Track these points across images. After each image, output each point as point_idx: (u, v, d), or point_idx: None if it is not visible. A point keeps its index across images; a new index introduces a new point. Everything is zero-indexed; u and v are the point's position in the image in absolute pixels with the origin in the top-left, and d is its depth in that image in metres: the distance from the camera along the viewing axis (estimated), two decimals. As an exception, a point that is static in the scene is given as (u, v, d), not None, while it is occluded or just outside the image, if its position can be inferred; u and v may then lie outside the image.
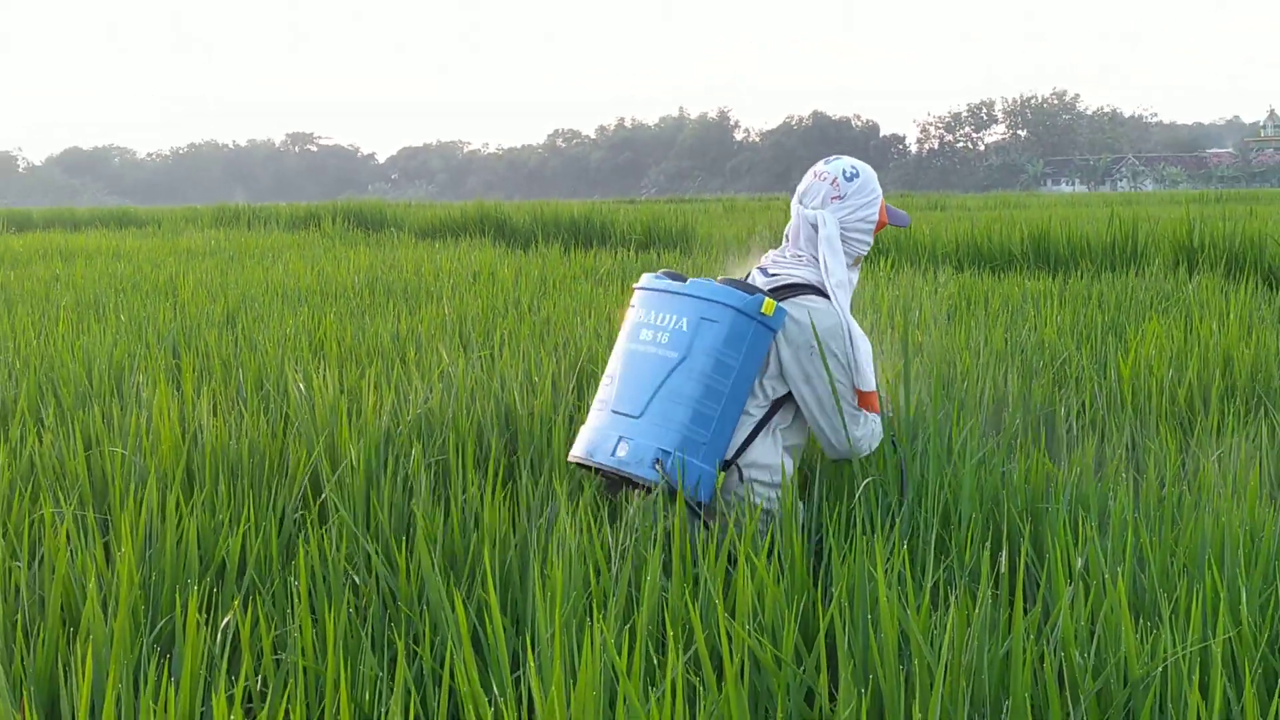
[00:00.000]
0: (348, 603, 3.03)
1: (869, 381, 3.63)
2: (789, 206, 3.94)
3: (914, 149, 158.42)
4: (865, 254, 3.80)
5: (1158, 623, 2.78)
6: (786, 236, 3.87)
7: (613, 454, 3.58)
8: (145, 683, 2.52)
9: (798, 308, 3.62)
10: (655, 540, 3.29)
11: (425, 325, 7.48)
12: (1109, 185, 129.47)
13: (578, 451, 3.74)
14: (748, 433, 3.65)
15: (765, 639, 2.71)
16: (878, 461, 3.82)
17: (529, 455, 4.37)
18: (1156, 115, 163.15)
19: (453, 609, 2.84)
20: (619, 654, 2.53)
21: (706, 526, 3.50)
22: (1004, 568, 3.09)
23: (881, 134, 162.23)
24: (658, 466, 3.47)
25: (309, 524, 3.82)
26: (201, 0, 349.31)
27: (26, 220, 31.45)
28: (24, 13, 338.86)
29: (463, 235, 19.23)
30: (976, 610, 2.61)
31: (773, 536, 3.33)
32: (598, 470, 3.72)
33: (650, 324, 3.69)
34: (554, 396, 5.05)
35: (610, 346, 6.33)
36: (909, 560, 3.12)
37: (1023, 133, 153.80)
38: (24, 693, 2.68)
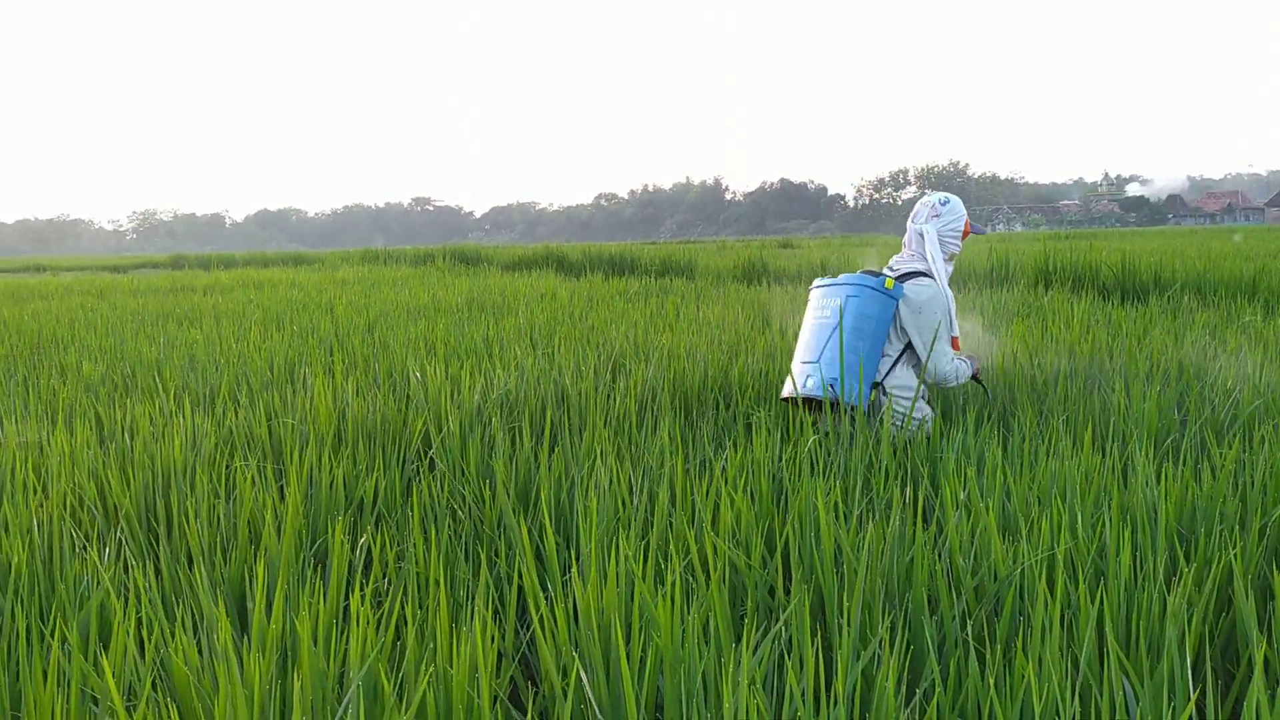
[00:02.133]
0: (448, 527, 3.03)
1: (956, 331, 4.14)
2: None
3: (851, 203, 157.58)
4: (956, 253, 4.23)
5: (1018, 537, 2.76)
6: (905, 244, 4.28)
7: (804, 386, 4.10)
8: (305, 584, 2.53)
9: (913, 286, 4.10)
10: (664, 480, 3.28)
11: (507, 331, 7.48)
12: (990, 228, 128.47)
13: (786, 391, 4.25)
14: (890, 365, 4.13)
15: (740, 551, 2.69)
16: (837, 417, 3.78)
17: (576, 422, 4.36)
18: (1024, 177, 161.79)
19: (520, 531, 2.84)
20: (637, 563, 2.52)
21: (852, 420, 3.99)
22: (909, 499, 3.07)
23: (829, 193, 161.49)
24: (830, 389, 3.99)
25: (421, 472, 3.82)
26: (358, 105, 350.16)
27: (231, 261, 31.63)
28: (234, 105, 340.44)
29: (534, 268, 19.22)
30: (889, 529, 2.59)
31: (746, 474, 3.31)
32: (798, 401, 4.22)
33: (821, 306, 4.20)
34: (595, 380, 5.03)
35: (635, 346, 6.31)
36: (842, 494, 3.10)
37: (929, 191, 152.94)
38: (220, 591, 2.69)
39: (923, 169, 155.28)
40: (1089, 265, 10.71)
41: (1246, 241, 21.63)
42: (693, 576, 2.67)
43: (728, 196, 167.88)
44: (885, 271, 4.23)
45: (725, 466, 3.52)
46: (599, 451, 3.61)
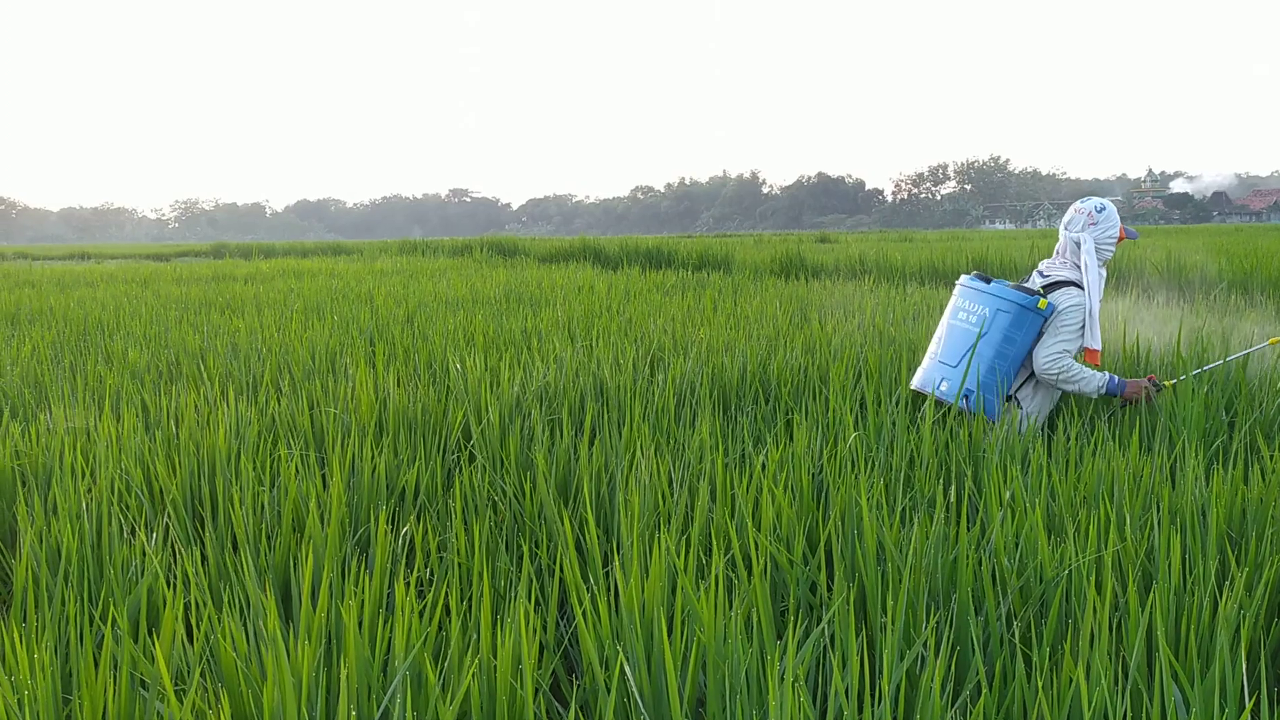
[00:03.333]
0: (488, 518, 3.04)
1: (1096, 344, 4.10)
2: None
3: (890, 198, 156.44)
4: (1109, 258, 4.26)
5: (1065, 538, 2.72)
6: (1057, 251, 4.31)
7: (937, 388, 4.16)
8: (349, 572, 2.55)
9: (1059, 295, 4.15)
10: (704, 475, 3.27)
11: (545, 323, 7.49)
12: (1030, 224, 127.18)
13: (915, 384, 4.33)
14: (1022, 379, 4.20)
15: (781, 546, 2.68)
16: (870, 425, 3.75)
17: (616, 415, 4.36)
18: (1065, 173, 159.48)
19: (562, 523, 2.84)
20: (678, 556, 2.51)
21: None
22: (953, 498, 3.04)
23: (866, 187, 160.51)
24: (963, 399, 4.07)
25: (462, 463, 3.83)
26: (396, 96, 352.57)
27: (271, 250, 31.94)
28: (275, 97, 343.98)
29: (571, 260, 19.25)
30: (932, 528, 2.57)
31: (788, 474, 3.30)
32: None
33: (965, 309, 4.23)
34: (634, 374, 5.03)
35: (673, 339, 6.31)
36: (885, 491, 3.08)
37: (968, 186, 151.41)
38: (266, 577, 2.71)
39: (963, 164, 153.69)
40: (1132, 262, 10.57)
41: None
42: (733, 572, 2.67)
43: (764, 190, 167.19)
44: (1036, 277, 4.29)
45: (765, 462, 3.50)
46: (639, 445, 3.61)
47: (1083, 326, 4.09)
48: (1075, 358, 4.16)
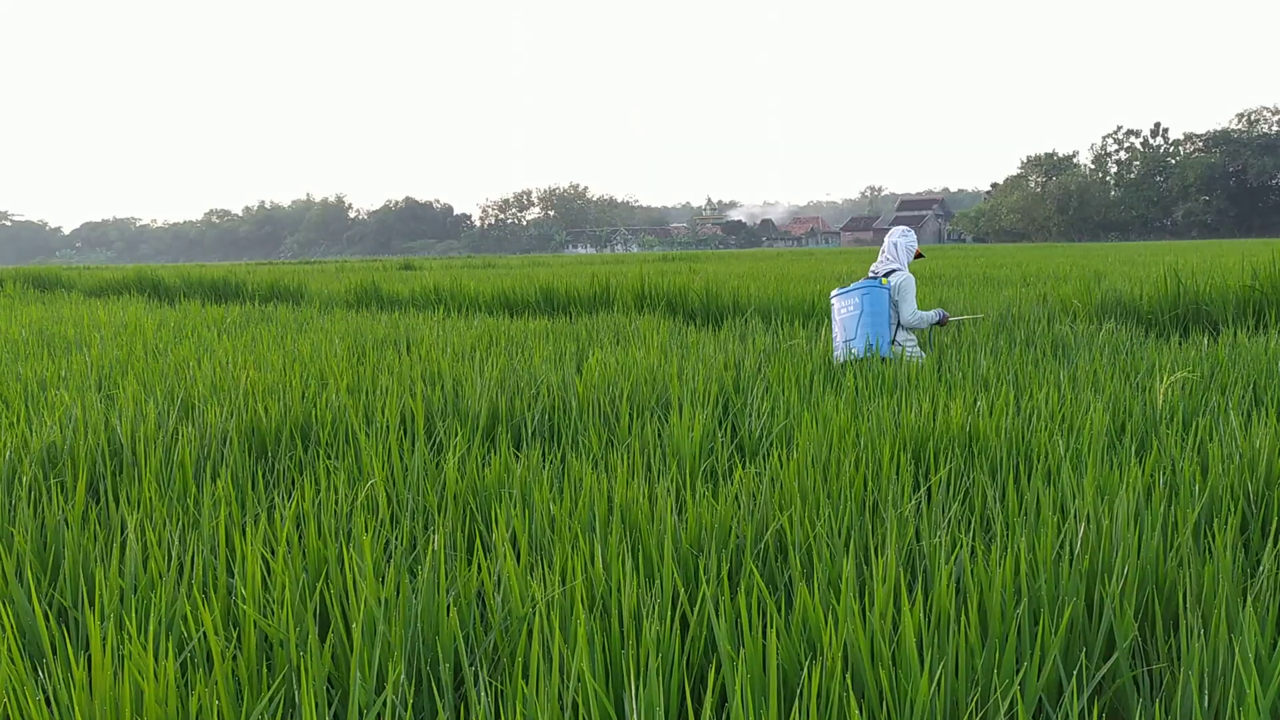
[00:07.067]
0: None
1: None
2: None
3: (478, 223, 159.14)
4: (911, 260, 7.00)
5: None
6: (881, 253, 7.00)
7: (851, 354, 6.50)
8: None
9: (894, 277, 6.84)
10: (218, 542, 3.07)
11: (75, 368, 6.73)
12: (609, 248, 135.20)
13: (838, 358, 6.57)
14: (895, 327, 6.79)
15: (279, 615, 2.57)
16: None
17: (131, 473, 3.99)
18: (639, 200, 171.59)
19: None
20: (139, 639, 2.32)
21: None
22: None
23: (455, 213, 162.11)
24: (870, 350, 6.42)
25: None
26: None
27: None
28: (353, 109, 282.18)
29: (125, 293, 17.58)
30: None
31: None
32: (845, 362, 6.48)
33: (844, 305, 6.66)
34: (156, 425, 4.64)
35: (213, 385, 5.92)
36: (384, 547, 3.03)
37: (552, 212, 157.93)
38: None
39: (546, 190, 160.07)
40: (679, 289, 11.49)
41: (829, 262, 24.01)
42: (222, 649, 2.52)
43: (351, 214, 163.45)
44: (871, 274, 6.93)
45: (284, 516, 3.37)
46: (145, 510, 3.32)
47: (912, 290, 6.78)
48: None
